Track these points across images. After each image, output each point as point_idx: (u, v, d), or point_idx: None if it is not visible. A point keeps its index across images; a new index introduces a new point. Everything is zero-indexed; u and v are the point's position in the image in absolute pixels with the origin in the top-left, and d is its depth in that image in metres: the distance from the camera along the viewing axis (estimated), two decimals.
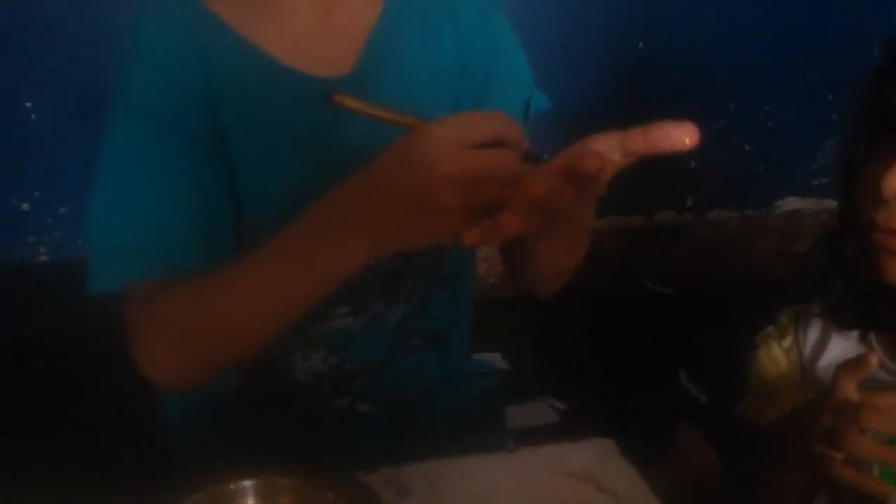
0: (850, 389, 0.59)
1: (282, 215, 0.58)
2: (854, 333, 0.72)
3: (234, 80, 0.63)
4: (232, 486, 0.50)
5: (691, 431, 1.10)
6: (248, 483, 0.51)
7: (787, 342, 0.76)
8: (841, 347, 0.72)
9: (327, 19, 0.67)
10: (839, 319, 0.72)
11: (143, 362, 0.60)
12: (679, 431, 1.09)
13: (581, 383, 1.29)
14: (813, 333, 0.75)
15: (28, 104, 1.35)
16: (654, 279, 1.56)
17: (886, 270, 0.62)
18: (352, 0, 0.68)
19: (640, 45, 1.40)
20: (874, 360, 0.59)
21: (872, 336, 0.71)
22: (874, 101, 0.65)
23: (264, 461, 0.53)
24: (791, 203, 1.59)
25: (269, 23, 0.65)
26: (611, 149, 0.46)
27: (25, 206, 1.41)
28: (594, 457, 0.62)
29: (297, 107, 0.64)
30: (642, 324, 1.42)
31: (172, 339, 0.60)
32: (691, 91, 1.41)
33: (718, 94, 1.46)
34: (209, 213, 0.62)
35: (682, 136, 0.44)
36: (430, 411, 0.74)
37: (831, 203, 1.55)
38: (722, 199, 1.59)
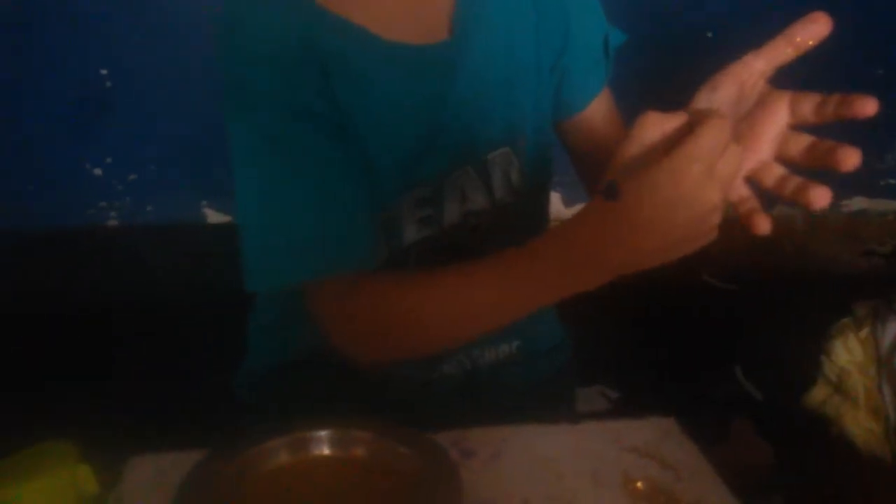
0: None
1: (407, 182, 0.63)
2: None
3: (342, 60, 0.63)
4: (308, 434, 0.52)
5: (745, 422, 1.10)
6: (323, 433, 0.53)
7: (864, 333, 0.77)
8: None
9: None
10: None
11: (349, 352, 0.63)
12: (734, 424, 1.09)
13: (635, 373, 1.29)
14: (891, 327, 0.75)
15: (104, 71, 1.39)
16: (714, 273, 1.54)
17: None
18: None
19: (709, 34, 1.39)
20: None
21: None
22: None
23: (340, 414, 0.55)
24: (858, 202, 1.56)
25: (365, 1, 0.66)
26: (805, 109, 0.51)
27: (98, 172, 1.45)
28: (656, 433, 0.63)
29: (406, 76, 0.65)
30: (699, 318, 1.41)
31: (384, 335, 0.62)
32: None
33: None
34: (358, 195, 0.63)
35: (867, 105, 0.48)
36: (505, 380, 0.75)
37: None
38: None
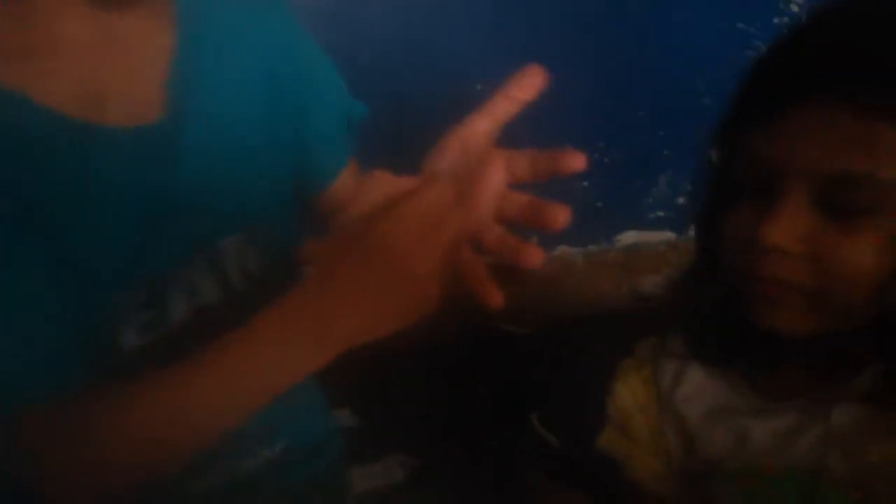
0: None
1: (123, 284, 0.57)
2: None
3: (36, 149, 0.56)
4: None
5: (540, 476, 1.09)
6: None
7: (646, 372, 0.75)
8: (699, 376, 0.72)
9: (119, 63, 0.60)
10: (703, 355, 0.71)
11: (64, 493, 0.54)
12: (530, 478, 1.07)
13: (432, 436, 1.25)
14: (671, 363, 0.74)
15: None
16: (507, 319, 1.54)
17: (768, 318, 0.61)
18: (140, 37, 0.61)
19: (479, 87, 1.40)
20: None
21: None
22: (729, 146, 0.64)
23: None
24: (630, 237, 1.62)
25: (56, 78, 0.57)
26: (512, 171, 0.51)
27: None
28: None
29: (114, 163, 0.58)
30: (495, 367, 1.40)
31: (96, 462, 0.55)
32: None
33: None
34: (55, 307, 0.56)
35: (574, 161, 0.49)
36: (272, 490, 0.68)
37: (669, 235, 1.59)
38: (567, 234, 1.60)
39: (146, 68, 0.62)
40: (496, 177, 0.51)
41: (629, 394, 0.77)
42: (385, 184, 0.49)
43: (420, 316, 0.48)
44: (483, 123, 0.52)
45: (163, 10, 0.62)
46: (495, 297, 0.50)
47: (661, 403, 0.75)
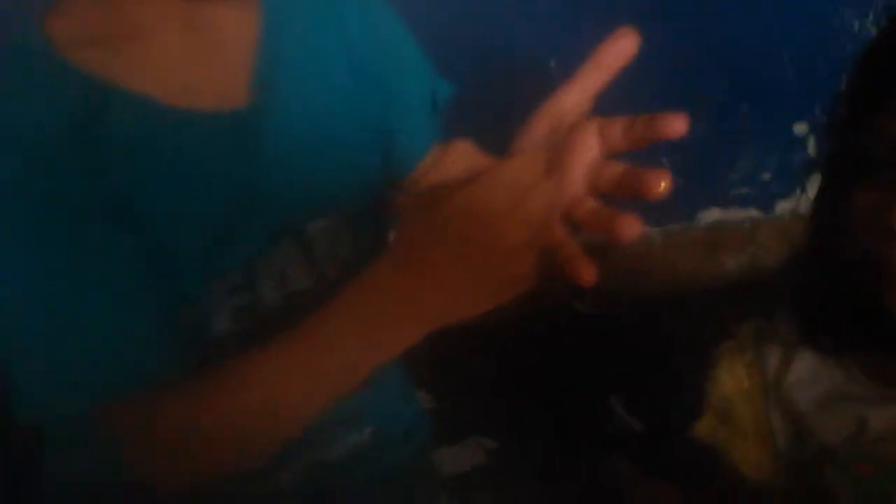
0: None
1: (214, 269, 0.55)
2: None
3: (121, 135, 0.55)
4: None
5: (630, 468, 1.06)
6: None
7: (748, 357, 0.71)
8: (811, 361, 0.68)
9: (204, 49, 0.60)
10: (818, 342, 0.67)
11: (161, 480, 0.54)
12: (616, 471, 1.04)
13: (512, 418, 1.23)
14: (776, 347, 0.70)
15: None
16: (582, 300, 1.51)
17: None
18: (225, 23, 0.60)
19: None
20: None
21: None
22: (856, 122, 0.59)
23: None
24: (712, 214, 1.57)
25: (143, 64, 0.57)
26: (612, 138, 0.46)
27: None
28: None
29: (201, 147, 0.58)
30: (573, 348, 1.37)
31: (189, 452, 0.54)
32: None
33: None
34: (148, 296, 0.56)
35: (676, 124, 0.43)
36: (361, 475, 0.67)
37: (753, 212, 1.54)
38: (644, 214, 1.56)
39: (232, 54, 0.61)
40: (589, 146, 0.47)
41: (732, 380, 0.72)
42: (467, 155, 0.46)
43: (512, 295, 0.45)
44: (573, 96, 0.48)
45: None
46: (589, 274, 0.47)
47: (767, 389, 0.70)
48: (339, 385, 0.51)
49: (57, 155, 0.53)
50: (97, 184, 0.54)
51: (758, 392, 0.71)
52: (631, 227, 0.43)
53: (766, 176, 1.53)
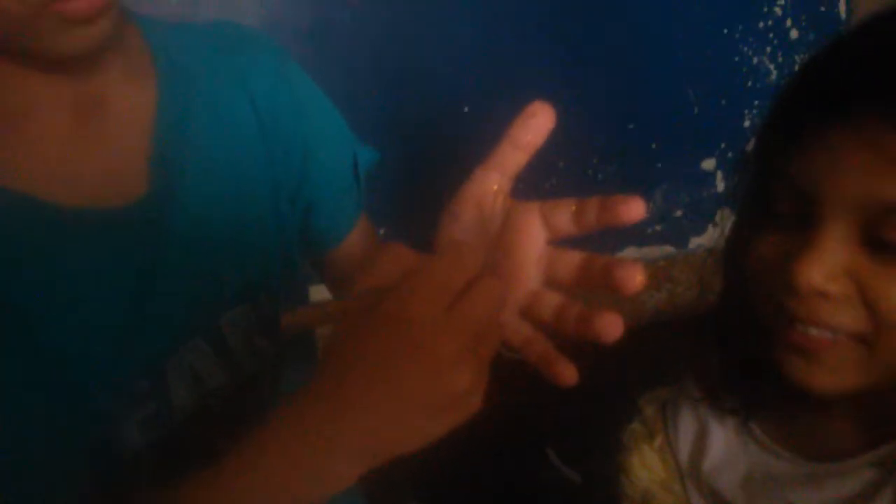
0: None
1: (116, 379, 0.49)
2: (732, 423, 0.63)
3: (4, 240, 0.49)
4: None
5: None
6: None
7: (658, 441, 0.66)
8: (722, 441, 0.63)
9: (93, 136, 0.54)
10: (721, 405, 0.63)
11: None
12: None
13: (444, 474, 1.20)
14: (686, 427, 0.65)
15: None
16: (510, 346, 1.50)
17: (802, 374, 0.52)
18: (117, 105, 0.55)
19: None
20: None
21: (754, 425, 0.62)
22: (761, 167, 0.56)
23: None
24: (630, 252, 1.58)
25: (22, 156, 0.51)
26: (564, 223, 0.43)
27: None
28: None
29: (96, 247, 0.51)
30: (506, 396, 1.34)
31: None
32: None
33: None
34: (35, 416, 0.49)
35: (634, 208, 0.41)
36: None
37: (668, 249, 1.55)
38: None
39: (127, 140, 0.55)
40: (534, 234, 0.44)
41: (645, 471, 0.67)
42: (401, 259, 0.42)
43: (455, 421, 0.40)
44: (492, 177, 0.45)
45: (141, 69, 0.56)
46: (570, 374, 0.43)
47: (684, 477, 0.65)
48: None
49: None
50: None
51: (675, 480, 0.66)
52: (613, 327, 0.41)
53: (679, 212, 1.56)
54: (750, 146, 0.61)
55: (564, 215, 0.44)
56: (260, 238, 0.60)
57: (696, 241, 1.57)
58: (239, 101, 0.61)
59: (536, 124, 0.44)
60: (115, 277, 0.52)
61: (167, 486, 0.44)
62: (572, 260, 0.44)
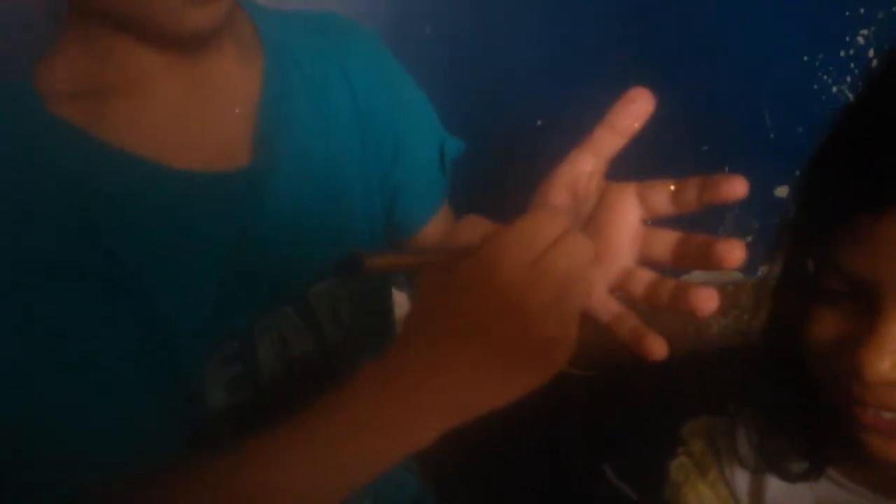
0: None
1: (210, 338, 0.51)
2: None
3: (113, 198, 0.52)
4: None
5: None
6: None
7: (711, 476, 0.64)
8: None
9: (204, 106, 0.58)
10: (783, 473, 0.60)
11: None
12: None
13: (507, 486, 1.21)
14: (744, 460, 0.63)
15: None
16: (573, 364, 1.50)
17: (877, 451, 0.51)
18: (226, 80, 0.59)
19: None
20: None
21: None
22: (805, 245, 0.53)
23: None
24: (696, 276, 1.57)
25: (138, 121, 0.54)
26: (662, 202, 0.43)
27: None
28: None
29: (198, 211, 0.55)
30: (565, 413, 1.35)
31: None
32: None
33: None
34: (133, 370, 0.51)
35: (737, 186, 0.41)
36: None
37: (737, 275, 1.54)
38: None
39: (233, 111, 0.59)
40: (629, 211, 0.44)
41: (698, 502, 0.65)
42: (484, 227, 0.42)
43: (546, 373, 0.41)
44: (587, 160, 0.46)
45: (250, 50, 0.60)
46: (661, 347, 0.43)
47: None
48: (347, 478, 0.46)
49: (45, 216, 0.50)
50: (88, 247, 0.51)
51: None
52: (710, 301, 0.41)
53: (748, 239, 1.54)
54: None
55: (662, 194, 0.44)
56: (349, 216, 0.63)
57: (764, 269, 1.56)
58: (338, 86, 0.64)
59: (635, 109, 0.45)
60: (216, 239, 0.56)
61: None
62: (668, 238, 0.45)
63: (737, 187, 0.42)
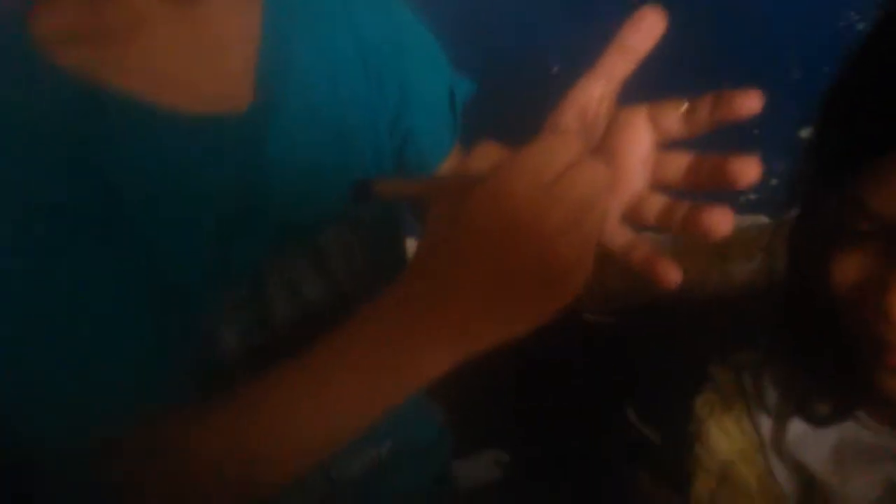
0: None
1: (218, 282, 0.52)
2: None
3: (114, 140, 0.52)
4: None
5: (644, 477, 1.02)
6: None
7: (736, 411, 0.63)
8: None
9: (204, 48, 0.57)
10: (810, 415, 0.59)
11: None
12: (634, 482, 1.00)
13: (526, 430, 1.22)
14: (768, 396, 0.62)
15: None
16: (593, 309, 1.50)
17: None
18: (226, 21, 0.57)
19: None
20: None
21: None
22: (829, 183, 0.51)
23: None
24: None
25: (137, 64, 0.54)
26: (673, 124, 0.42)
27: None
28: None
29: (201, 153, 0.55)
30: (585, 358, 1.36)
31: (192, 487, 0.48)
32: None
33: None
34: (142, 313, 0.51)
35: (750, 100, 0.39)
36: (378, 495, 0.64)
37: (762, 218, 1.53)
38: None
39: (233, 52, 0.58)
40: (641, 134, 0.43)
41: (725, 442, 0.64)
42: (496, 153, 0.41)
43: (560, 307, 0.39)
44: (598, 84, 0.44)
45: None
46: (675, 273, 0.42)
47: (766, 448, 0.63)
48: (357, 413, 0.46)
49: (45, 160, 0.49)
50: (90, 191, 0.51)
51: (756, 451, 0.64)
52: (725, 222, 0.39)
53: (774, 181, 1.53)
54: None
55: (674, 115, 0.43)
56: (356, 156, 0.62)
57: (791, 212, 1.54)
58: (341, 27, 0.63)
59: (646, 28, 0.43)
60: (222, 181, 0.55)
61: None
62: (681, 160, 0.43)
63: (751, 101, 0.41)
